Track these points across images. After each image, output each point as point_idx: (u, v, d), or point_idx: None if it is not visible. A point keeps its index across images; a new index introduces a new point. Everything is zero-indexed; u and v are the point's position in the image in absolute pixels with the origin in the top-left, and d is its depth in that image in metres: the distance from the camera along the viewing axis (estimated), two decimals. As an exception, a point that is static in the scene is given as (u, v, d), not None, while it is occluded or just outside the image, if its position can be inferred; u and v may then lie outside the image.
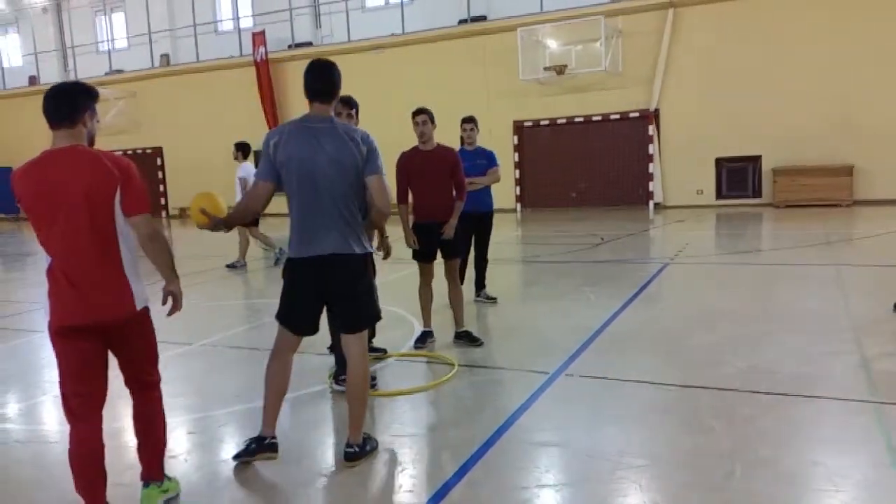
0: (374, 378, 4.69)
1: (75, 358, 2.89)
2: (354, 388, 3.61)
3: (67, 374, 2.92)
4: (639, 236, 13.33)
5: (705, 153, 17.74)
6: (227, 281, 10.08)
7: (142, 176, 3.03)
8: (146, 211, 2.98)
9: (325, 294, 3.55)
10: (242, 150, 10.75)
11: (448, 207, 5.67)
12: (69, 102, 2.91)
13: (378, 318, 3.74)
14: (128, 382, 3.17)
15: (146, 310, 3.11)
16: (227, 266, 10.78)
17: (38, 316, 8.04)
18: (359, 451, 3.56)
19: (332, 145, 3.44)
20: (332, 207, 3.46)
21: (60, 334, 2.89)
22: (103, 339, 2.96)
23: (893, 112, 15.72)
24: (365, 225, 3.72)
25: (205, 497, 3.35)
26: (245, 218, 3.65)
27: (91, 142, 3.02)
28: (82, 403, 2.93)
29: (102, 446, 2.99)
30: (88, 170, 2.83)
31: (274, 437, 3.63)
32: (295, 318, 3.60)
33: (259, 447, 3.59)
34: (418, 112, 5.60)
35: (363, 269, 3.58)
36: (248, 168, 10.59)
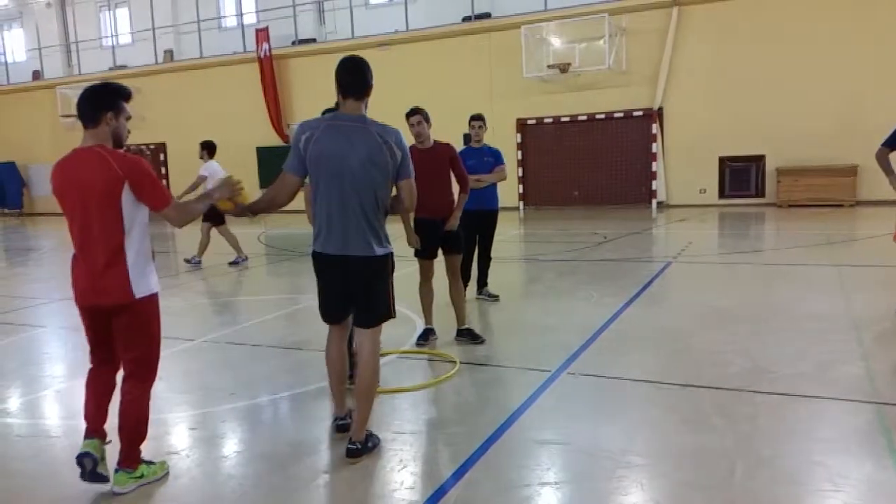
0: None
1: (90, 330, 3.33)
2: (363, 386, 3.63)
3: (88, 341, 3.38)
4: (641, 235, 13.32)
5: (709, 152, 17.71)
6: (229, 278, 10.10)
7: (152, 168, 3.23)
8: (170, 201, 3.21)
9: (346, 289, 3.60)
10: (208, 149, 10.69)
11: (449, 204, 5.67)
12: (89, 104, 3.17)
13: (391, 316, 3.75)
14: (123, 367, 3.34)
15: (149, 300, 3.25)
16: (230, 263, 10.80)
17: (41, 311, 8.07)
18: (361, 447, 3.57)
19: (364, 147, 3.45)
20: (358, 208, 3.48)
21: (80, 310, 3.30)
22: (109, 319, 3.25)
23: (898, 112, 15.70)
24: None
25: (207, 493, 3.35)
26: (271, 208, 3.68)
27: (117, 140, 3.22)
28: (99, 360, 3.38)
29: (113, 386, 3.38)
30: (94, 171, 3.08)
31: (343, 419, 3.87)
32: (324, 308, 3.75)
33: (335, 427, 3.90)
34: (412, 113, 5.54)
35: (383, 268, 3.62)
36: (213, 166, 10.51)
